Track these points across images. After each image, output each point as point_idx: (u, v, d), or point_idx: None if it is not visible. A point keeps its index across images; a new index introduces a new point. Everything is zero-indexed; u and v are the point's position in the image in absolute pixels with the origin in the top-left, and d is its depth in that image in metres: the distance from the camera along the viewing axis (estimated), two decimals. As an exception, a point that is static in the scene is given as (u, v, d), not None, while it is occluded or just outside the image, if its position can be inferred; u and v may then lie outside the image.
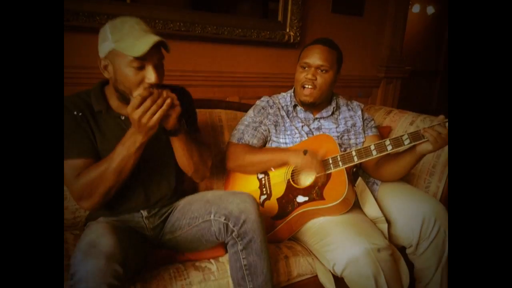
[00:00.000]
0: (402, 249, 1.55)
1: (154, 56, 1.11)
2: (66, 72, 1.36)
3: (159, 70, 1.15)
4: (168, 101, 1.08)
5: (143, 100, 1.05)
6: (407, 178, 1.80)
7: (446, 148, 1.67)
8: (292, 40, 2.16)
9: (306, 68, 1.54)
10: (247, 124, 1.62)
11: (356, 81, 2.58)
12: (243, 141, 1.60)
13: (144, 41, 1.08)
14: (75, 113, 1.18)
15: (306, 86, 1.54)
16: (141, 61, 1.10)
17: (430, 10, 5.44)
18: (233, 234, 1.16)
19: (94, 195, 1.14)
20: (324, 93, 1.56)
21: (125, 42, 1.09)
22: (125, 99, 1.17)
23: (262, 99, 1.68)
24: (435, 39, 5.57)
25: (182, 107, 1.14)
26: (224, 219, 1.16)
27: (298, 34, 2.18)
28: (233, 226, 1.15)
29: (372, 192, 1.60)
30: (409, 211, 1.48)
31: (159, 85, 1.14)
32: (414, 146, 1.37)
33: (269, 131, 1.62)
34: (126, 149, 1.11)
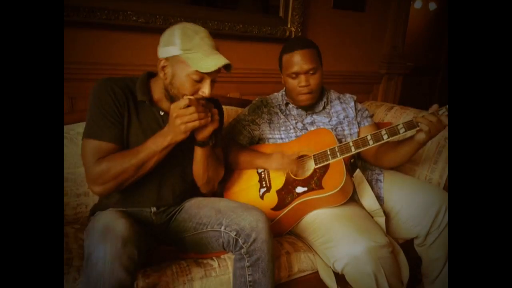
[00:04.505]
0: (407, 244, 1.56)
1: (216, 72, 1.16)
2: (65, 68, 1.36)
3: (214, 84, 1.21)
4: (209, 118, 1.16)
5: (189, 104, 1.11)
6: (408, 174, 1.80)
7: (447, 144, 1.67)
8: (293, 36, 2.15)
9: (295, 77, 1.55)
10: (238, 121, 1.69)
11: (357, 77, 2.57)
12: (229, 135, 1.67)
13: (214, 60, 1.13)
14: (118, 96, 1.20)
15: (303, 93, 1.55)
16: (202, 75, 1.15)
17: (432, 6, 5.40)
18: (242, 251, 1.16)
19: (108, 183, 1.16)
20: (318, 92, 1.61)
21: (194, 54, 1.12)
22: (173, 100, 1.19)
23: (256, 99, 1.75)
24: (437, 35, 5.54)
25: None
26: (235, 235, 1.16)
27: (299, 30, 2.17)
28: (243, 243, 1.15)
29: (378, 189, 1.61)
30: (419, 201, 1.49)
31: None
32: (412, 136, 1.39)
33: (260, 130, 1.66)
34: (155, 145, 1.15)
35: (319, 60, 1.57)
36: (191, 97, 1.14)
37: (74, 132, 1.51)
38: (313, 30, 2.27)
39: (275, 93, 1.75)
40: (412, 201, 1.51)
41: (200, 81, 1.16)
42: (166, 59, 1.16)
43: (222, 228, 1.19)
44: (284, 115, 1.65)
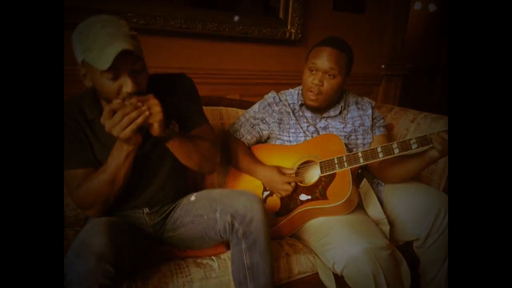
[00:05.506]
0: (406, 245, 1.57)
1: (127, 62, 1.02)
2: (66, 70, 1.36)
3: (138, 76, 1.07)
4: (146, 113, 1.01)
5: (113, 113, 1.00)
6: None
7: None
8: (293, 38, 2.16)
9: (314, 72, 1.48)
10: (248, 118, 1.64)
11: (357, 78, 2.57)
12: (238, 133, 1.63)
13: (109, 51, 0.98)
14: (68, 122, 1.16)
15: (312, 91, 1.49)
16: (113, 71, 1.02)
17: (432, 7, 5.41)
18: (238, 233, 1.15)
19: (94, 205, 1.16)
20: (330, 98, 1.52)
21: (92, 52, 1.00)
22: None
23: (269, 94, 1.66)
24: (437, 37, 5.54)
25: (178, 97, 1.13)
26: (230, 217, 1.15)
27: (299, 32, 2.17)
28: (239, 225, 1.14)
29: (378, 192, 1.59)
30: (419, 204, 1.48)
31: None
32: (422, 152, 1.35)
33: (270, 129, 1.62)
34: (115, 159, 1.11)
35: (345, 68, 1.49)
36: (114, 102, 1.02)
37: (74, 134, 1.50)
38: (313, 31, 2.26)
39: (291, 90, 1.67)
40: (412, 203, 1.50)
41: (117, 78, 1.03)
42: (82, 65, 1.07)
43: (217, 214, 1.18)
44: (295, 117, 1.59)
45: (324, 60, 1.46)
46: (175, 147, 1.18)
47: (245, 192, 1.22)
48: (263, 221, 1.15)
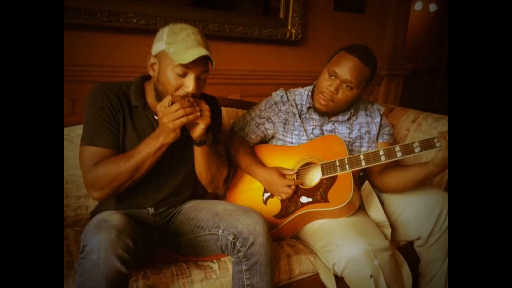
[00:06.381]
0: (408, 245, 1.56)
1: (199, 68, 1.15)
2: (66, 70, 1.37)
3: (200, 82, 1.19)
4: (198, 113, 1.14)
5: (173, 102, 1.10)
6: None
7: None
8: (293, 38, 2.16)
9: (333, 77, 1.43)
10: (253, 117, 1.63)
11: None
12: (242, 132, 1.63)
13: (194, 52, 1.11)
14: (112, 101, 1.21)
15: (325, 96, 1.45)
16: (185, 69, 1.14)
17: (433, 7, 5.42)
18: (239, 254, 1.15)
19: (105, 188, 1.17)
20: (340, 107, 1.50)
21: (176, 47, 1.13)
22: (161, 99, 1.19)
23: (277, 92, 1.63)
24: (437, 37, 5.55)
25: (212, 115, 1.18)
26: (233, 238, 1.15)
27: (299, 32, 2.17)
28: (241, 247, 1.14)
29: (379, 192, 1.58)
30: (420, 203, 1.48)
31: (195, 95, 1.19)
32: (423, 163, 1.33)
33: (274, 129, 1.60)
34: (147, 148, 1.15)
35: (364, 82, 1.46)
36: (175, 94, 1.14)
37: (74, 134, 1.51)
38: (313, 32, 2.27)
39: (301, 89, 1.62)
40: (414, 203, 1.50)
41: (184, 76, 1.15)
42: (155, 56, 1.19)
43: (220, 231, 1.18)
44: (301, 119, 1.56)
45: (346, 71, 1.41)
46: (204, 154, 1.27)
47: (250, 212, 1.21)
48: (265, 244, 1.15)
